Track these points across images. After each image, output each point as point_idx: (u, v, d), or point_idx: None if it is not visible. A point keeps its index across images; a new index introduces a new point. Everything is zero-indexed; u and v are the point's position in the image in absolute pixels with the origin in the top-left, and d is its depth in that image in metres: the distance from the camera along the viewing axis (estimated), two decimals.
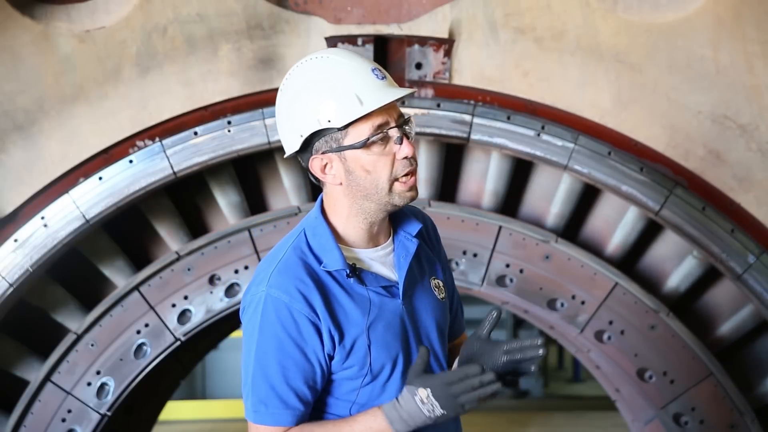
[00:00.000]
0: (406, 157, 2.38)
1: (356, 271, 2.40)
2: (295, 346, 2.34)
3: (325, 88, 2.36)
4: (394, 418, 2.30)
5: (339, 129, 2.35)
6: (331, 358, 2.38)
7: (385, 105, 2.36)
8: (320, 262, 2.39)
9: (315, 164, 2.40)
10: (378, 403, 2.39)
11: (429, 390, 2.28)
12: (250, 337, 2.39)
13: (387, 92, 2.37)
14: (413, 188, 2.42)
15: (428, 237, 2.62)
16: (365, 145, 2.35)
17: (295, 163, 4.28)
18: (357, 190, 2.40)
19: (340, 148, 2.37)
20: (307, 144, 2.40)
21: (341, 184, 2.41)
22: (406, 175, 2.40)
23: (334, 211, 2.46)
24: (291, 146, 2.43)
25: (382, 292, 2.42)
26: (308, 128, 2.37)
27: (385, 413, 2.32)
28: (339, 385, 2.43)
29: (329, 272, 2.39)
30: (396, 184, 2.39)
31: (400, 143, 2.38)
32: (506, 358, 2.34)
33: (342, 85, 2.35)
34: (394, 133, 2.38)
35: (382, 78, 2.39)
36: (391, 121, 2.38)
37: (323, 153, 2.39)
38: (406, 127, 2.42)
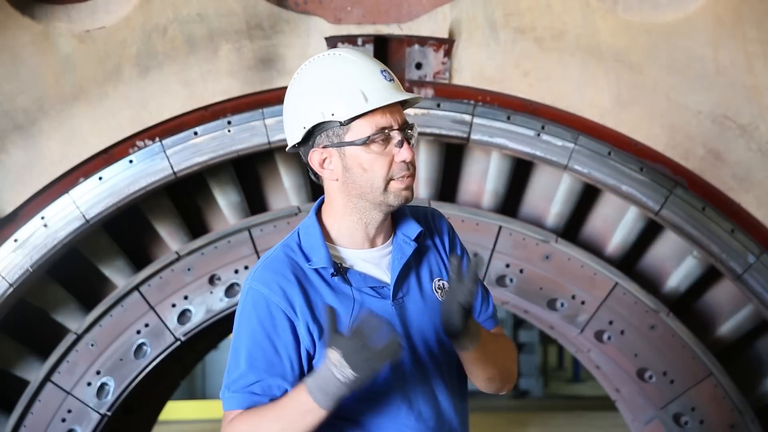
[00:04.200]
0: (404, 161, 2.41)
1: (341, 271, 2.42)
2: (266, 338, 2.37)
3: (332, 83, 2.40)
4: (313, 388, 2.25)
5: (341, 124, 2.39)
6: (309, 354, 2.39)
7: (389, 106, 2.40)
8: (309, 260, 2.43)
9: (314, 157, 2.44)
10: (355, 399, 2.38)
11: (339, 351, 2.21)
12: (234, 327, 2.45)
13: (393, 94, 2.41)
14: (409, 188, 2.44)
15: (441, 239, 2.60)
16: (365, 143, 2.38)
17: (295, 163, 4.28)
18: (352, 188, 2.43)
19: (341, 144, 2.40)
20: (309, 137, 2.43)
21: (338, 180, 2.44)
22: (402, 177, 2.42)
23: (330, 210, 2.49)
24: (293, 137, 2.47)
25: (370, 293, 2.44)
26: (311, 120, 2.41)
27: (306, 384, 2.27)
28: None
29: (317, 270, 2.42)
30: (392, 183, 2.42)
31: (401, 146, 2.41)
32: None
33: (349, 81, 2.39)
34: (395, 135, 2.41)
35: (390, 80, 2.43)
36: (394, 124, 2.41)
37: (323, 147, 2.42)
38: (409, 132, 2.44)
